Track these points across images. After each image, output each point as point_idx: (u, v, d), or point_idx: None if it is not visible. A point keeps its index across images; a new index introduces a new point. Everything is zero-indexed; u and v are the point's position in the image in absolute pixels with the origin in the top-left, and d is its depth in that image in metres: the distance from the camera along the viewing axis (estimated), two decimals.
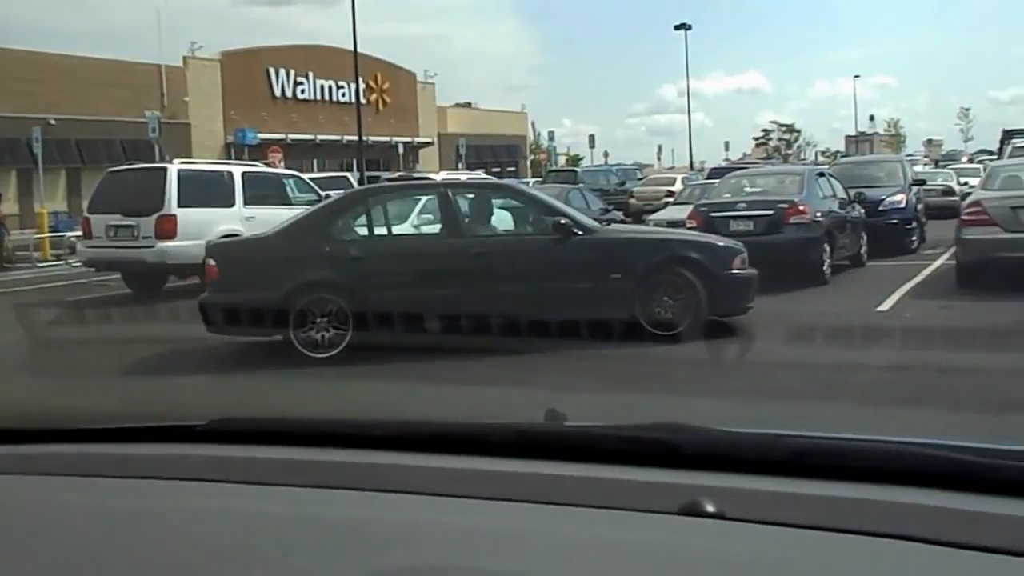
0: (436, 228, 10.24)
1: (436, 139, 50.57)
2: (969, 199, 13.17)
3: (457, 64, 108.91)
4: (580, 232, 9.35)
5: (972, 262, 11.89)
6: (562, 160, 64.21)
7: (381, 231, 9.93)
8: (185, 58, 40.86)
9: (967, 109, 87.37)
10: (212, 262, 9.47)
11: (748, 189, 15.09)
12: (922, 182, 19.88)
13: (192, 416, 1.78)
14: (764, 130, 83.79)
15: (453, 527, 1.32)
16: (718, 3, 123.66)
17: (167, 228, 14.50)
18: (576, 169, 40.10)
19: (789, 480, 1.37)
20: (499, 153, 55.06)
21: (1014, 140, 22.55)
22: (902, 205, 16.65)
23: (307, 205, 17.59)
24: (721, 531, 1.26)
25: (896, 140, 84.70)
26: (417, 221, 11.36)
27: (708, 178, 24.47)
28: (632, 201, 29.74)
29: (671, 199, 24.91)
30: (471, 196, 10.57)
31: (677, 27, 55.57)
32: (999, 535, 1.19)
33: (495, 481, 1.45)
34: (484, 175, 30.01)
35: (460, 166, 41.05)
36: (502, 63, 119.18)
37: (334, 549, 1.28)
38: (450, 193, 10.06)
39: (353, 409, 5.51)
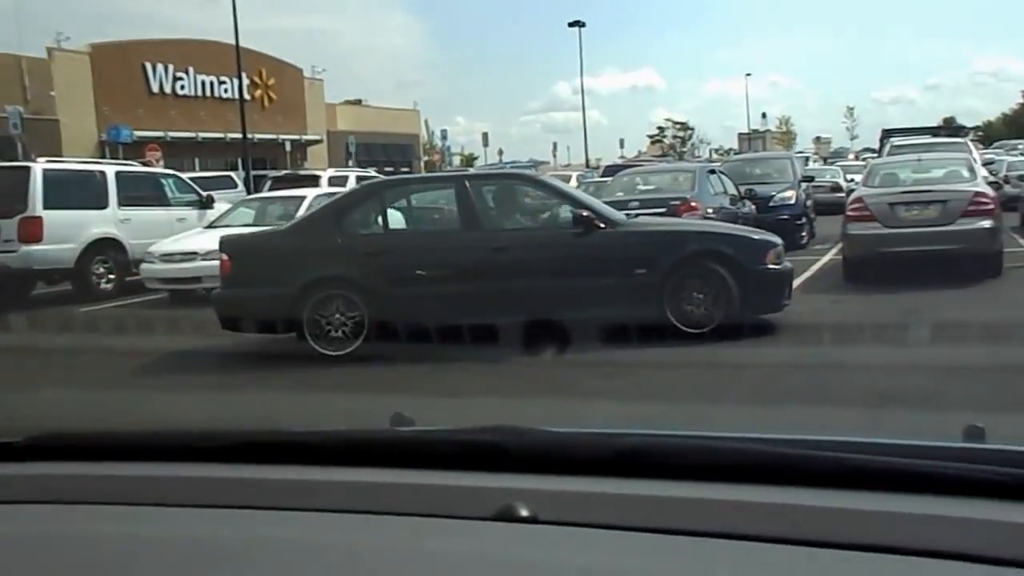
0: (453, 222, 9.78)
1: (325, 137, 49.60)
2: (852, 196, 13.62)
3: (347, 60, 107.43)
4: (603, 225, 9.00)
5: (857, 257, 12.26)
6: (457, 160, 63.92)
7: (397, 225, 9.74)
8: (50, 49, 38.67)
9: (852, 108, 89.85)
10: (225, 256, 9.26)
11: (641, 187, 15.22)
12: (811, 178, 20.19)
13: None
14: (659, 128, 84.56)
15: (255, 541, 1.31)
16: (612, 0, 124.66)
17: (32, 231, 13.86)
18: (469, 168, 39.74)
19: (614, 480, 1.36)
20: (392, 152, 54.39)
21: (892, 139, 23.24)
22: (792, 201, 16.97)
23: (187, 206, 17.23)
24: (532, 535, 1.25)
25: (787, 138, 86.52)
26: (434, 214, 10.86)
27: (603, 176, 24.73)
28: None
29: None
30: (489, 188, 10.17)
31: (571, 24, 55.84)
32: (813, 527, 1.19)
33: (310, 491, 1.43)
34: (375, 174, 29.65)
35: (351, 164, 40.37)
36: (393, 59, 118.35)
37: (144, 570, 1.25)
38: (468, 185, 9.65)
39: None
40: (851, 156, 53.56)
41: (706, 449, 1.45)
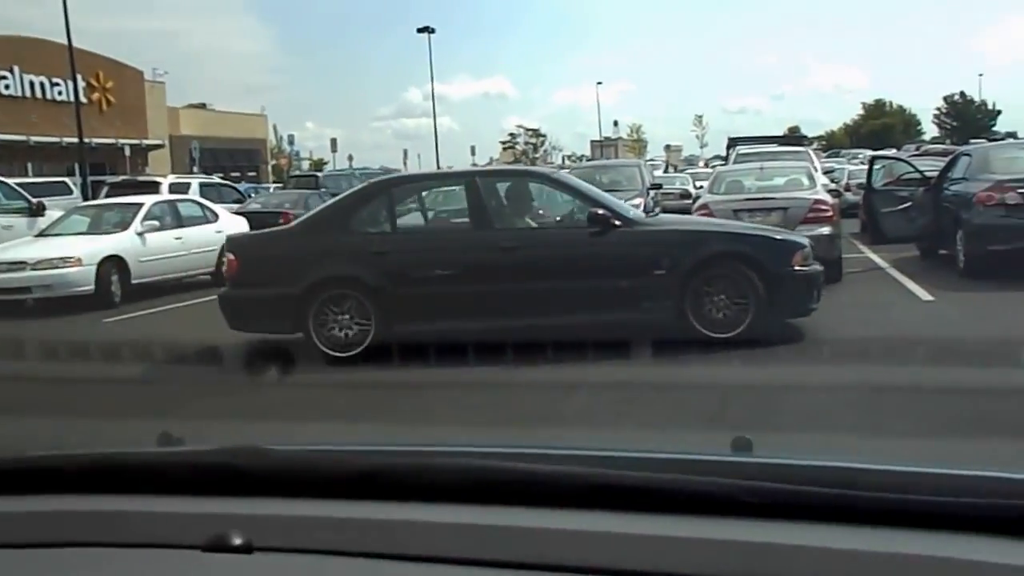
0: (464, 220, 9.39)
1: (167, 141, 47.99)
2: (698, 203, 13.80)
3: (192, 63, 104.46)
4: (620, 223, 8.63)
5: None
6: (306, 165, 62.79)
7: (406, 223, 9.49)
8: None
9: (701, 116, 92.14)
10: (232, 256, 9.11)
11: None
12: (659, 186, 20.48)
13: None
14: (511, 134, 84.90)
15: None
16: (463, 6, 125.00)
17: None
18: (318, 174, 39.00)
19: (350, 503, 1.31)
20: (237, 157, 53.08)
21: (738, 147, 23.86)
22: (641, 209, 16.99)
23: (14, 214, 16.29)
24: (241, 566, 1.19)
25: (639, 145, 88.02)
26: (444, 212, 10.50)
27: None
28: None
29: None
30: (501, 185, 9.79)
31: (420, 30, 55.60)
32: (537, 549, 1.15)
33: (21, 521, 1.34)
34: (220, 179, 28.88)
35: (195, 169, 39.22)
36: (241, 62, 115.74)
37: None
38: (479, 182, 9.32)
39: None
40: (701, 163, 54.87)
41: (432, 468, 1.40)
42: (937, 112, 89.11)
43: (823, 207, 12.04)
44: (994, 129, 73.81)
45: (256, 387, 7.66)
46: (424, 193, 10.16)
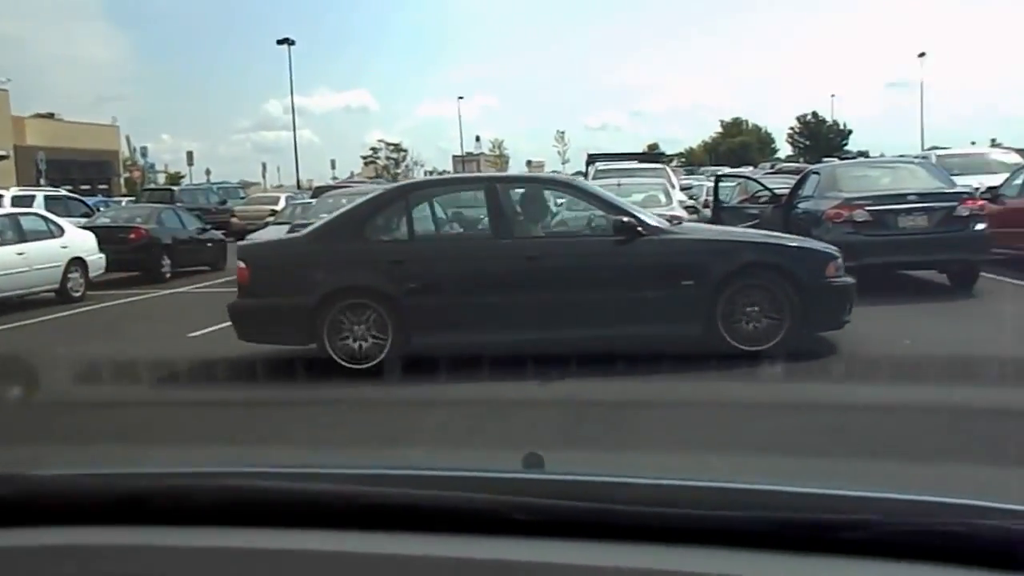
0: (484, 228, 8.97)
1: (12, 152, 45.88)
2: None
3: (39, 70, 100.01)
4: (645, 232, 8.31)
5: None
6: (162, 178, 61.00)
7: (423, 231, 8.96)
8: None
9: (563, 132, 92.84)
10: (243, 264, 8.76)
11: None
12: None
13: None
14: (372, 149, 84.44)
15: None
16: (325, 18, 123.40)
17: None
18: (174, 188, 37.89)
19: (108, 529, 1.24)
20: (88, 169, 51.16)
21: (597, 163, 24.13)
22: None
23: None
24: None
25: (500, 160, 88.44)
26: (463, 219, 9.92)
27: (312, 197, 24.67)
28: (234, 220, 28.80)
29: (273, 218, 24.37)
30: (521, 191, 9.45)
31: (279, 42, 54.79)
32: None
33: None
34: (67, 192, 27.74)
35: (42, 182, 37.53)
36: (93, 71, 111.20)
37: None
38: (499, 188, 8.93)
39: None
40: None
41: (195, 490, 1.33)
42: (791, 131, 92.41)
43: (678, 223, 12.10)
44: (846, 148, 76.87)
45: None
46: (441, 199, 9.73)
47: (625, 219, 8.40)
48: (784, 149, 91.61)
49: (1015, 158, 20.15)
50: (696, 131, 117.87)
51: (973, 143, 47.38)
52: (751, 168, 45.36)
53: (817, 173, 14.25)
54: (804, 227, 12.74)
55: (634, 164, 23.51)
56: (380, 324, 8.21)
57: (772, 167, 44.06)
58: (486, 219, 8.92)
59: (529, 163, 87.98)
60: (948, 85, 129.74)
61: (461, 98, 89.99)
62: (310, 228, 9.51)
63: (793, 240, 9.46)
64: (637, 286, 8.18)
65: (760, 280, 8.26)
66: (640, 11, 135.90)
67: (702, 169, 52.53)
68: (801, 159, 67.52)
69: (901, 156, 25.22)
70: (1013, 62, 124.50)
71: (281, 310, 8.41)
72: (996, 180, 15.60)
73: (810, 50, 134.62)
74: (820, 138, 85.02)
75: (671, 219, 12.05)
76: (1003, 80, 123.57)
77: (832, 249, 8.75)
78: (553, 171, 79.96)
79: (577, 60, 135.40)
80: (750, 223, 14.34)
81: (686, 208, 14.00)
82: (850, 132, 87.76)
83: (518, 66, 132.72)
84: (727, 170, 31.05)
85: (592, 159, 26.54)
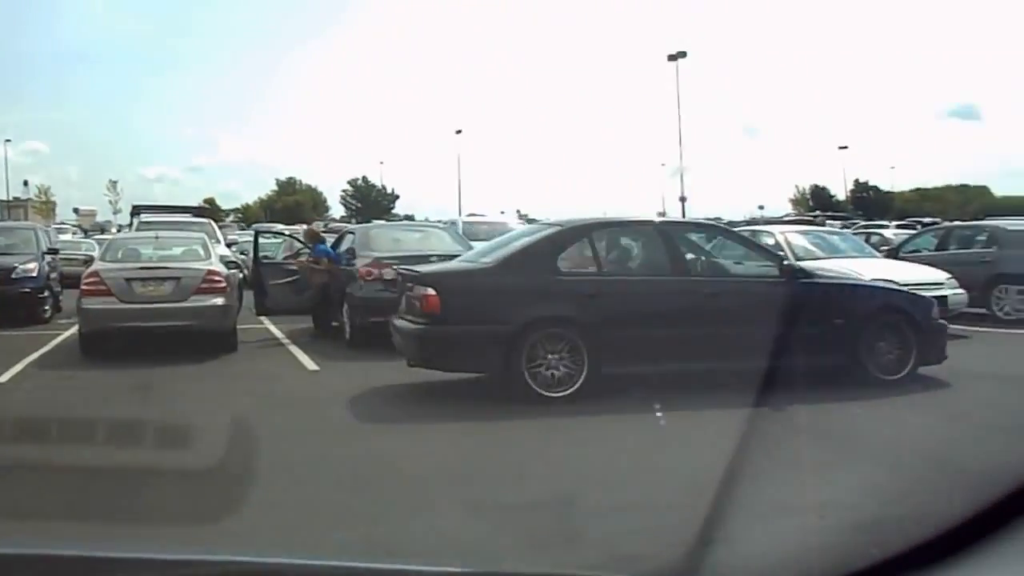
0: (661, 265, 9.60)
1: None
2: (89, 269, 13.59)
3: None
4: (802, 276, 9.49)
5: (93, 331, 12.33)
6: None
7: (610, 266, 9.66)
8: None
9: (115, 182, 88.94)
10: (432, 292, 8.78)
11: None
12: (56, 251, 19.52)
13: None
14: None
15: None
16: None
17: None
18: None
19: None
20: None
21: (142, 215, 23.67)
22: (34, 274, 16.69)
23: None
24: None
25: (47, 207, 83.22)
26: (639, 257, 10.26)
27: None
28: None
29: None
30: (688, 235, 10.36)
31: None
32: None
33: None
34: None
35: None
36: None
37: None
38: (670, 230, 9.98)
39: None
40: (113, 229, 53.56)
41: None
42: (343, 193, 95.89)
43: (216, 278, 12.22)
44: (394, 212, 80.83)
45: None
46: (619, 238, 10.27)
47: (786, 263, 9.84)
48: (338, 209, 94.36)
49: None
50: (254, 188, 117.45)
51: (502, 212, 52.86)
52: (305, 225, 46.18)
53: (353, 233, 15.03)
54: (341, 284, 13.40)
55: (186, 217, 23.19)
56: (575, 353, 8.58)
57: (325, 225, 45.19)
58: (660, 257, 9.61)
59: (77, 211, 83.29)
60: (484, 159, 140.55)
61: (8, 140, 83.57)
62: (489, 260, 9.52)
63: (903, 287, 11.00)
64: (800, 322, 8.81)
65: (892, 319, 9.55)
66: (199, 64, 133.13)
67: (254, 226, 52.78)
68: (353, 220, 70.14)
69: (439, 221, 27.08)
70: (539, 140, 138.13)
71: (476, 338, 8.57)
72: None
73: (361, 116, 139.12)
74: (370, 201, 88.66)
75: (208, 273, 12.26)
76: (527, 157, 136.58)
77: (932, 298, 10.34)
78: (106, 220, 76.92)
79: (136, 111, 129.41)
80: (290, 279, 14.82)
81: (227, 264, 14.07)
82: (397, 196, 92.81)
83: (72, 113, 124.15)
84: (263, 225, 31.75)
85: (137, 210, 25.79)
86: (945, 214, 59.01)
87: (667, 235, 9.74)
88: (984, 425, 7.93)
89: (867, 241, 20.61)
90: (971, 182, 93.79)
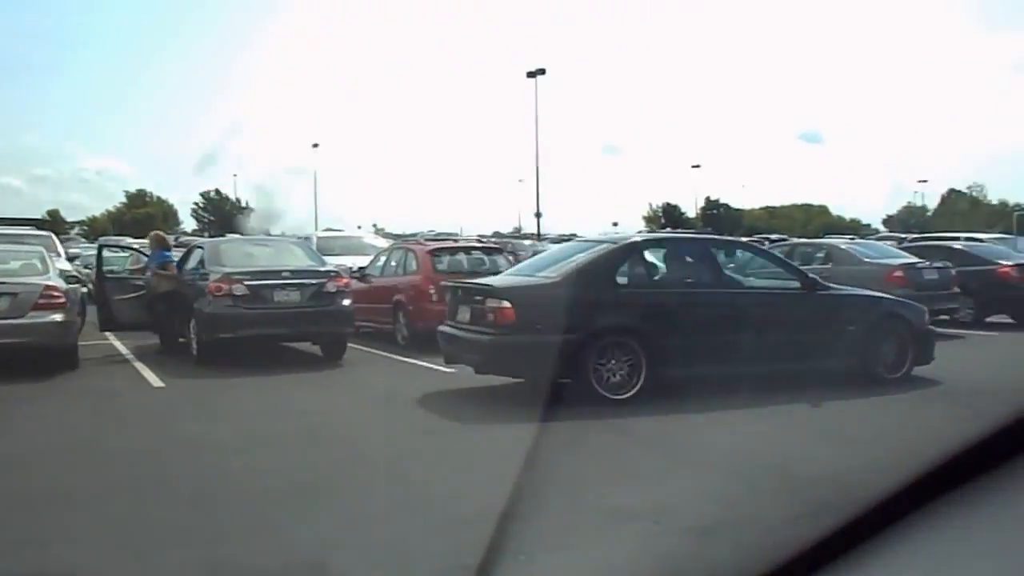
0: (705, 278, 10.44)
1: None
2: None
3: None
4: (820, 288, 10.50)
5: None
6: None
7: (663, 279, 10.48)
8: None
9: None
10: (508, 304, 9.37)
11: None
12: None
13: None
14: None
15: None
16: None
17: None
18: None
19: None
20: None
21: None
22: None
23: None
24: None
25: None
26: (689, 272, 10.74)
27: None
28: None
29: None
30: (726, 251, 11.69)
31: None
32: None
33: None
34: None
35: None
36: None
37: None
38: (710, 245, 11.21)
39: None
40: None
41: None
42: (195, 205, 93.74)
43: (55, 293, 11.73)
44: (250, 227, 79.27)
45: None
46: (667, 252, 10.98)
47: (808, 276, 10.71)
48: (190, 222, 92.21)
49: (383, 242, 22.43)
50: (103, 200, 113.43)
51: (359, 227, 51.79)
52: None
53: (202, 248, 14.67)
54: (189, 299, 13.09)
55: (26, 230, 22.18)
56: (635, 359, 9.24)
57: (176, 240, 44.00)
58: (705, 271, 10.49)
59: None
60: (339, 173, 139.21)
61: None
62: (555, 274, 9.98)
63: (900, 296, 12.11)
64: (823, 329, 10.21)
65: (894, 326, 10.58)
66: (47, 76, 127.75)
67: (99, 239, 51.02)
68: (206, 233, 68.50)
69: (293, 235, 26.69)
70: (399, 154, 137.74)
71: (548, 346, 8.91)
72: (366, 261, 17.30)
73: (217, 128, 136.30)
74: (223, 214, 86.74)
75: (46, 288, 11.79)
76: (385, 171, 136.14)
77: (922, 305, 11.23)
78: None
79: None
80: (136, 294, 14.39)
81: (68, 278, 13.54)
82: (252, 210, 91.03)
83: None
84: (108, 239, 30.71)
85: None
86: (792, 231, 61.62)
87: (710, 250, 10.95)
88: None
89: None
90: (814, 201, 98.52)
